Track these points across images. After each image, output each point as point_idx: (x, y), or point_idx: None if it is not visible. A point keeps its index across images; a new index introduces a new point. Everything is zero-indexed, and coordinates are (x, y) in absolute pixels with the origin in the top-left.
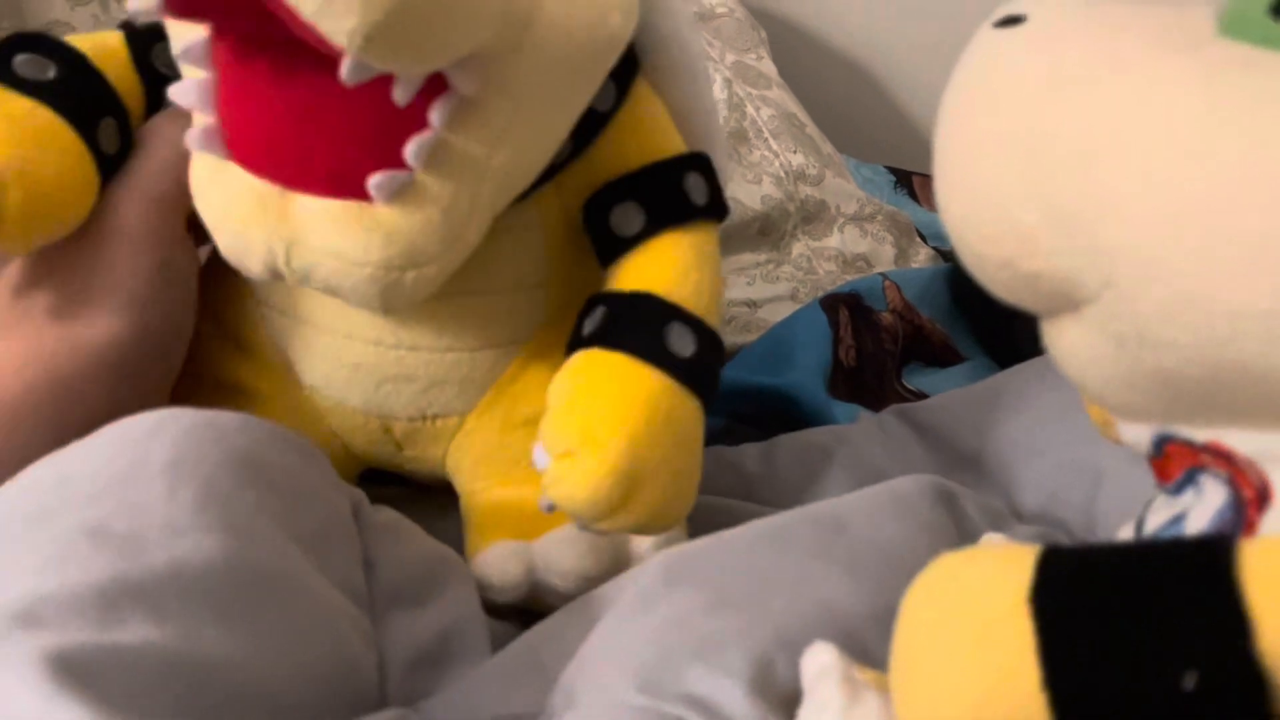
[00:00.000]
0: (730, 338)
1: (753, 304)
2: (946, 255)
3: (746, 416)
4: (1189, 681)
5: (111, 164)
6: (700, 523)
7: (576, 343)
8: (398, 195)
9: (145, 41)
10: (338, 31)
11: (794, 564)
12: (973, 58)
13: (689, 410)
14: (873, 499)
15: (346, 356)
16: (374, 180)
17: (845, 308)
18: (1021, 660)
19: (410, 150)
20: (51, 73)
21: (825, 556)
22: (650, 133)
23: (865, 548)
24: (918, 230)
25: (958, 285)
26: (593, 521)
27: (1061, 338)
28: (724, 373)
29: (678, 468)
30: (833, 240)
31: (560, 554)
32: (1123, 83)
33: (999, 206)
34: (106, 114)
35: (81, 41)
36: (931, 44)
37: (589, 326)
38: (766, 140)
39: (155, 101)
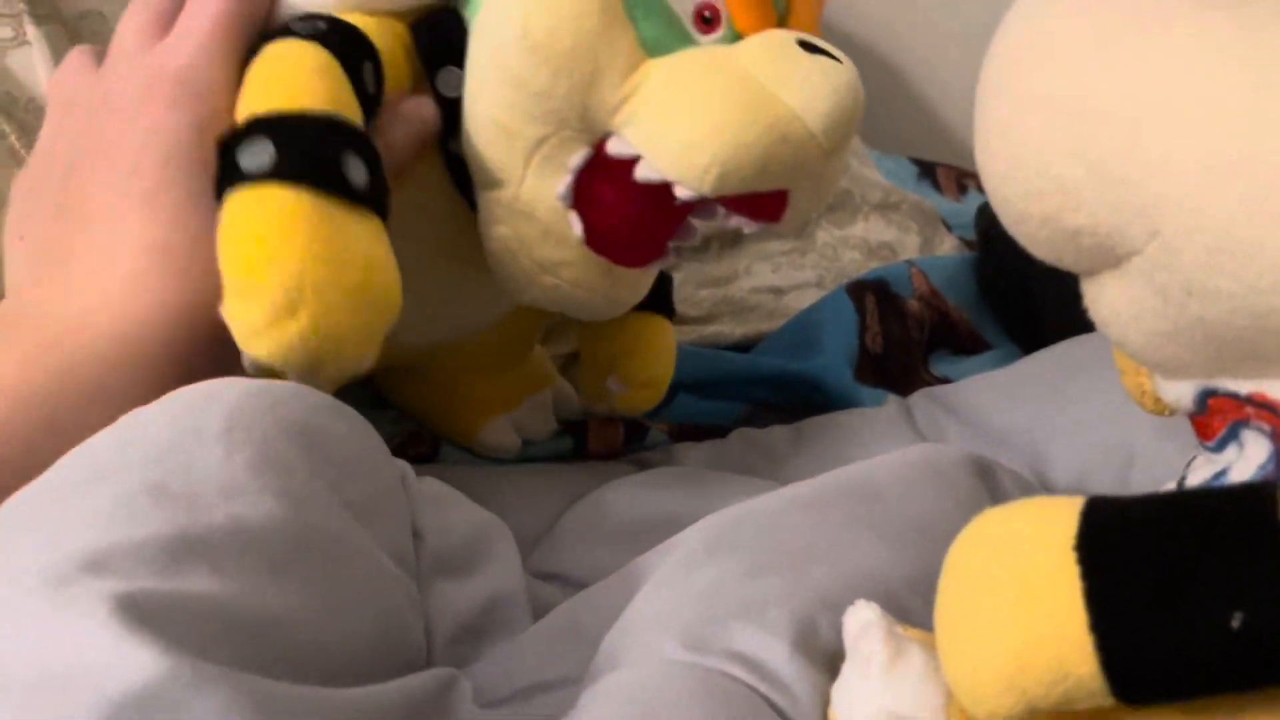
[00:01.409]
0: (756, 324)
1: (778, 291)
2: (972, 244)
3: (773, 402)
4: (1235, 622)
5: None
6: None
7: None
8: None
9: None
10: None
11: (832, 532)
12: (1015, 18)
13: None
14: (910, 468)
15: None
16: (672, 257)
17: (872, 294)
18: (1068, 605)
19: (686, 240)
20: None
21: (863, 525)
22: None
23: (902, 518)
24: (943, 220)
25: (985, 273)
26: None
27: (1103, 295)
28: (751, 358)
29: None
30: (857, 228)
31: (539, 419)
32: (1165, 40)
33: (1042, 163)
34: None
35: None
36: (954, 36)
37: None
38: None
39: None
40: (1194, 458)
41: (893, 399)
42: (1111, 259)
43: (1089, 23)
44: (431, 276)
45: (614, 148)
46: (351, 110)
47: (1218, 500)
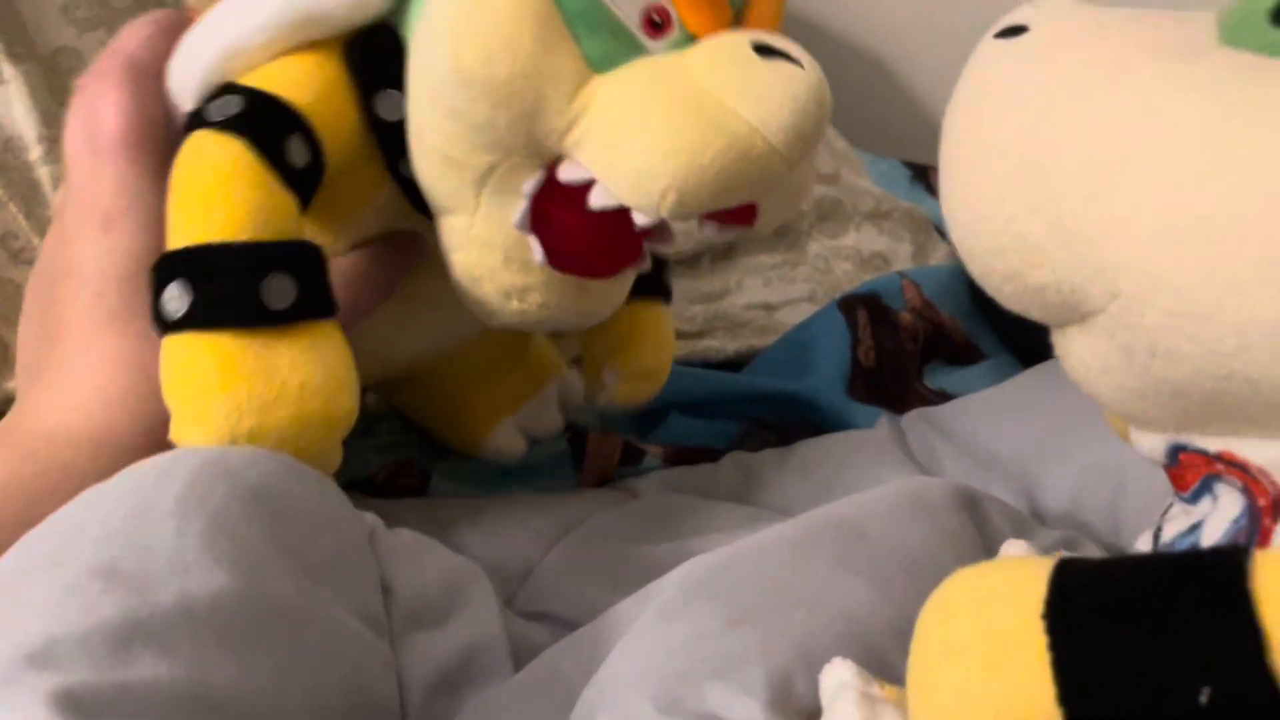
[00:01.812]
0: (748, 340)
1: (770, 307)
2: None
3: (766, 421)
4: (1203, 697)
5: None
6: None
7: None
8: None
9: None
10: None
11: (814, 575)
12: (975, 70)
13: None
14: (894, 503)
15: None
16: (645, 262)
17: (864, 308)
18: (1036, 677)
19: (658, 245)
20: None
21: (846, 566)
22: None
23: (887, 556)
24: (936, 226)
25: (977, 282)
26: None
27: (1071, 348)
28: (744, 378)
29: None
30: (849, 239)
31: (546, 416)
32: (1124, 96)
33: (1005, 219)
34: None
35: None
36: (946, 35)
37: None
38: None
39: None
40: (1170, 504)
41: (885, 420)
42: (1077, 315)
43: (1047, 74)
44: (404, 296)
45: (566, 174)
46: (275, 210)
47: (1186, 567)
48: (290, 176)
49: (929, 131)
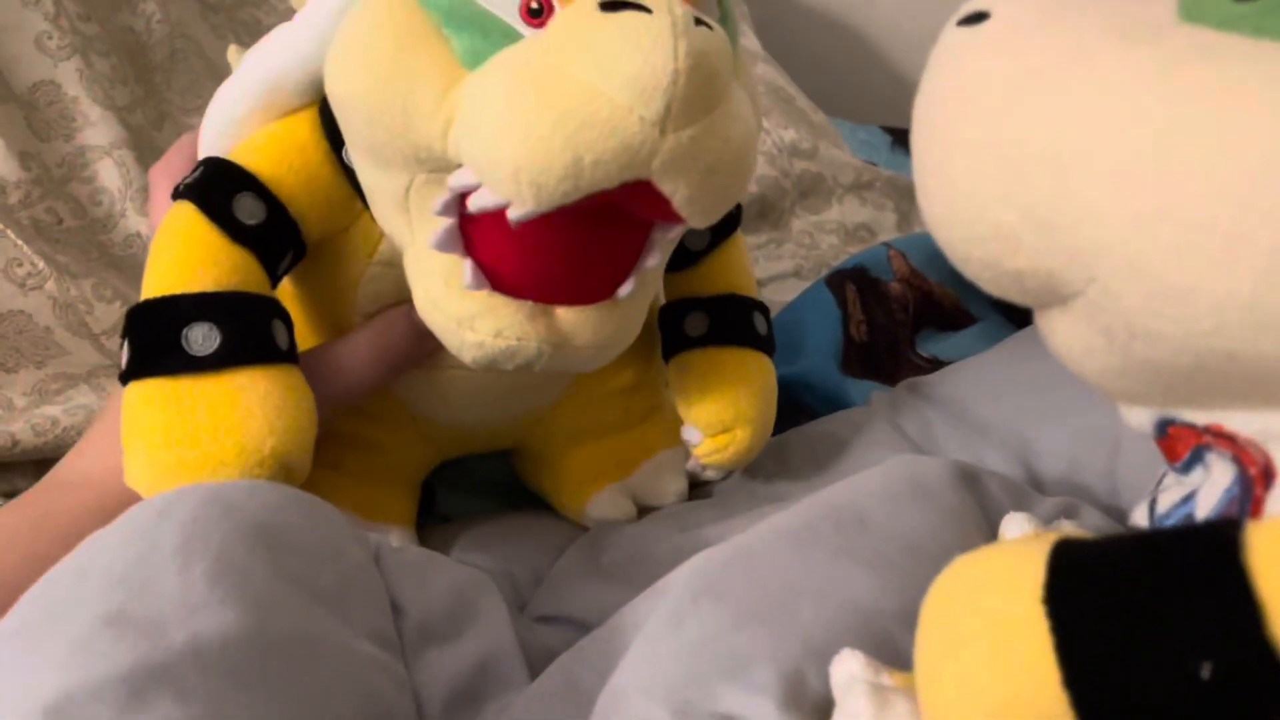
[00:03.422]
0: None
1: (758, 283)
2: None
3: None
4: (1205, 671)
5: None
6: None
7: (683, 342)
8: (630, 293)
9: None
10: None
11: (819, 567)
12: (939, 59)
13: (773, 372)
14: (893, 487)
15: (471, 386)
16: (625, 288)
17: (852, 283)
18: (1041, 662)
19: (647, 263)
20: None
21: (849, 556)
22: (737, 273)
23: (889, 543)
24: None
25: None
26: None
27: (1054, 329)
28: None
29: (772, 415)
30: (832, 212)
31: (660, 483)
32: (1084, 83)
33: (979, 207)
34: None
35: None
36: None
37: (695, 329)
38: None
39: None
40: (1164, 474)
41: (876, 395)
42: (1056, 299)
43: (1011, 63)
44: (434, 362)
45: (456, 180)
46: (220, 264)
47: (1180, 544)
48: (240, 232)
49: (906, 95)
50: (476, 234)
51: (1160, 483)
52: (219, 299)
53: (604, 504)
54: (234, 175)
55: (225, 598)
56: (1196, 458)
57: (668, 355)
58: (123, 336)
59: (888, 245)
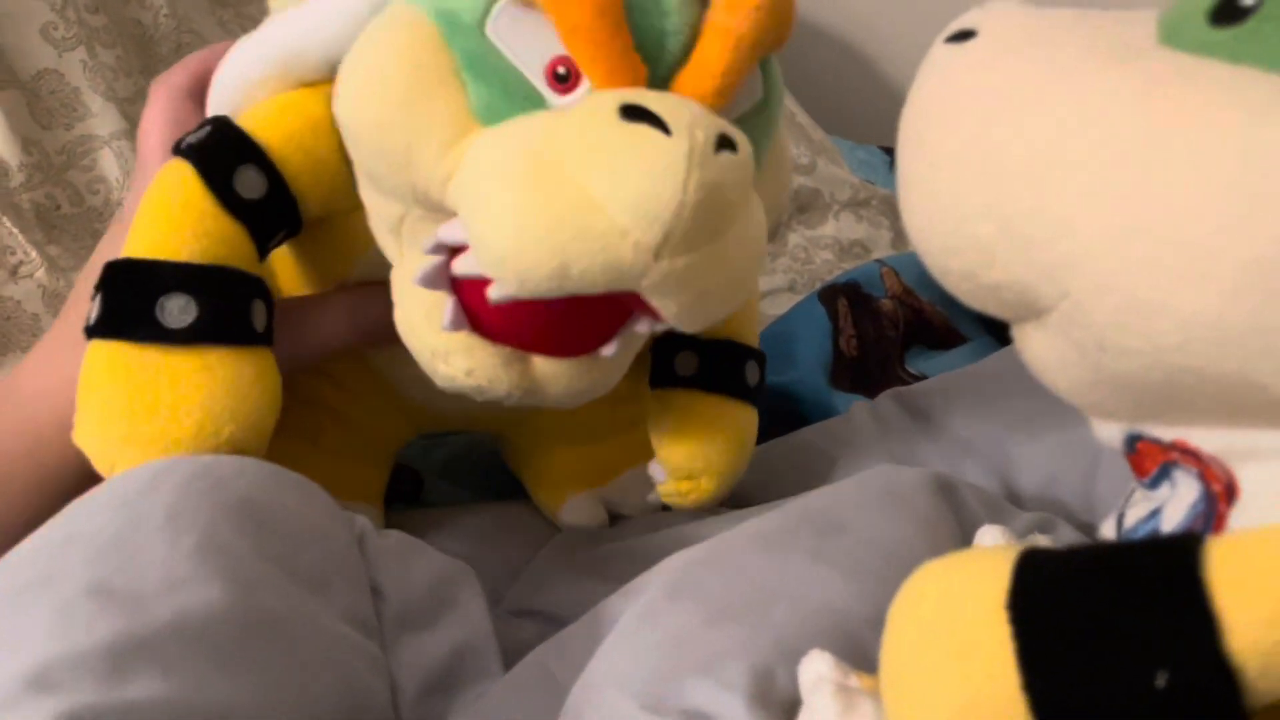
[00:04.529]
0: None
1: None
2: None
3: None
4: (1161, 681)
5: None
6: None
7: (670, 379)
8: (613, 354)
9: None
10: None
11: (793, 570)
12: (926, 75)
13: (754, 423)
14: (870, 494)
15: None
16: (608, 349)
17: (844, 298)
18: (1001, 666)
19: (637, 329)
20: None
21: (825, 560)
22: (740, 320)
23: (864, 549)
24: None
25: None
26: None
27: (1028, 343)
28: None
29: (742, 467)
30: (828, 228)
31: (636, 495)
32: (1065, 101)
33: (958, 219)
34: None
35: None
36: (919, 19)
37: (684, 369)
38: None
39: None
40: (1133, 489)
41: (857, 406)
42: (1031, 313)
43: (996, 79)
44: None
45: (445, 233)
46: (209, 234)
47: (1142, 556)
48: (237, 205)
49: None
50: (457, 281)
51: (1129, 498)
52: (202, 272)
53: (577, 509)
54: (240, 145)
55: (210, 574)
56: (1164, 474)
57: (653, 385)
58: (96, 289)
59: (881, 262)
